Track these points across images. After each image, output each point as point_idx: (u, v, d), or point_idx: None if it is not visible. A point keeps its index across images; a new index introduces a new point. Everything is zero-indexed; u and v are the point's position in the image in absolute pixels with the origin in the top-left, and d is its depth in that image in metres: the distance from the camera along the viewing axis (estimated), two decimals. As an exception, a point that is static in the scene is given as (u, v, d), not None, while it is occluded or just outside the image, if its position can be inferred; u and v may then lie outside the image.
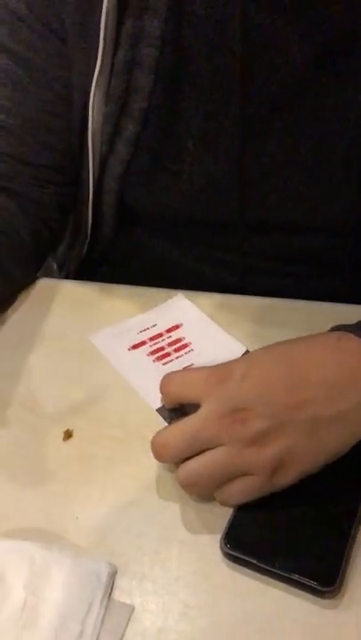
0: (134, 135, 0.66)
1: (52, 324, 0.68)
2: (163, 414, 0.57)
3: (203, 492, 0.51)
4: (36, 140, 0.69)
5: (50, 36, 0.64)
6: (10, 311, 0.69)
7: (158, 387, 0.56)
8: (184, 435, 0.49)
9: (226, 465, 0.48)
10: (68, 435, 0.57)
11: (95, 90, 0.63)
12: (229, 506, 0.50)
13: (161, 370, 0.62)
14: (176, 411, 0.55)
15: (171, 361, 0.63)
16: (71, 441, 0.57)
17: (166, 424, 0.55)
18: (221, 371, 0.50)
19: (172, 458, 0.50)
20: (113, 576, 0.47)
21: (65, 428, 0.57)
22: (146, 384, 0.61)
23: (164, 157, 0.67)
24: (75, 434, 0.57)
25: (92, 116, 0.65)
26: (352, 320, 0.53)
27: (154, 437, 0.51)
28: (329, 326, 0.54)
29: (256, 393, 0.48)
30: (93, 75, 0.62)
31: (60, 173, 0.72)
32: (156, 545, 0.49)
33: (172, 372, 0.54)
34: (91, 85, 0.63)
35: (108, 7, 0.59)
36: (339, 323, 0.53)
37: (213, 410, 0.48)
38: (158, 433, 0.51)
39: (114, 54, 0.62)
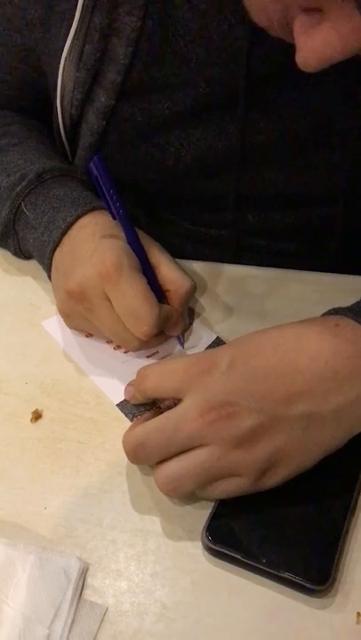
0: (106, 108, 0.61)
1: (13, 299, 0.62)
2: (125, 410, 0.52)
3: (184, 494, 0.46)
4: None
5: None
6: None
7: (119, 378, 0.53)
8: (163, 433, 0.44)
9: (210, 468, 0.43)
10: (36, 415, 0.52)
11: (68, 54, 0.59)
12: (210, 500, 0.46)
13: (122, 359, 0.56)
14: (140, 407, 0.51)
15: None
16: (40, 422, 0.52)
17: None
18: (204, 361, 0.46)
19: (149, 459, 0.45)
20: (84, 573, 0.44)
21: (33, 408, 0.52)
22: (105, 375, 0.55)
23: (144, 131, 0.62)
24: (44, 414, 0.52)
25: (62, 81, 0.61)
26: (354, 293, 0.48)
27: (126, 435, 0.46)
28: (330, 298, 0.49)
29: (243, 385, 0.44)
30: (67, 38, 0.58)
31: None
32: (131, 538, 0.46)
33: (148, 365, 0.49)
34: (63, 50, 0.59)
35: None
36: (340, 293, 0.49)
37: (196, 405, 0.44)
38: (131, 430, 0.46)
39: (90, 19, 0.57)
